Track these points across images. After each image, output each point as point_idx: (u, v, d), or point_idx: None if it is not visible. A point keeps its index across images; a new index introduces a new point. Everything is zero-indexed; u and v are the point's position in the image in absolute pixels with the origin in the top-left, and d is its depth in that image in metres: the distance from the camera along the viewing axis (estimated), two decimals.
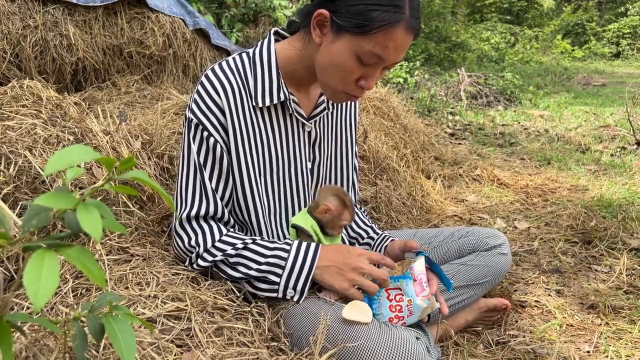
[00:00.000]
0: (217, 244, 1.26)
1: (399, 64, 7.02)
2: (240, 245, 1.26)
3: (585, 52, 14.94)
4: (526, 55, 12.06)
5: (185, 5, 3.72)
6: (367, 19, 1.09)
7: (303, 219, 1.32)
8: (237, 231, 1.32)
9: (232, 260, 1.26)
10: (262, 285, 1.26)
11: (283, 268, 1.24)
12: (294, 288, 1.24)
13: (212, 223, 1.29)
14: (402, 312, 1.23)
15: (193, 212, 1.27)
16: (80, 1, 3.15)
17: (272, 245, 1.27)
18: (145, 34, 3.36)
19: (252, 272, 1.25)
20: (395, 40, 1.11)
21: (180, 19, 3.56)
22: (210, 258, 1.26)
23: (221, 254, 1.25)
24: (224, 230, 1.29)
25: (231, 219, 1.33)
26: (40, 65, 3.00)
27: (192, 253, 1.28)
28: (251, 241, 1.27)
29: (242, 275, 1.25)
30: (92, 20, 3.20)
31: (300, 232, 1.33)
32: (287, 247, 1.26)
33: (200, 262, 1.27)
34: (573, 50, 14.29)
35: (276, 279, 1.24)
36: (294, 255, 1.25)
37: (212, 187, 1.27)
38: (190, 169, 1.28)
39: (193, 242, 1.27)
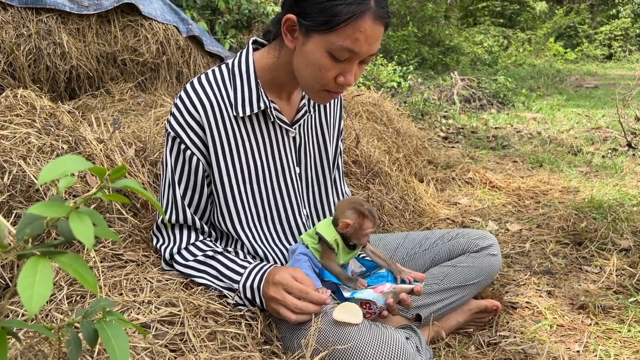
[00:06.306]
0: (183, 252, 1.34)
1: (392, 68, 7.07)
2: (201, 258, 1.32)
3: (578, 54, 15.01)
4: (519, 58, 12.11)
5: (178, 12, 3.74)
6: (332, 15, 1.11)
7: (328, 231, 1.31)
8: (207, 240, 1.37)
9: (198, 268, 1.33)
10: (238, 300, 1.30)
11: (239, 291, 1.28)
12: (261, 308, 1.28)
13: (184, 230, 1.35)
14: (372, 308, 1.26)
15: (166, 219, 1.34)
16: (74, 9, 3.17)
17: (229, 267, 1.31)
18: (139, 42, 3.37)
19: (214, 285, 1.31)
20: (365, 31, 1.13)
21: (174, 26, 3.58)
22: (180, 260, 1.33)
23: (184, 261, 1.33)
24: (193, 239, 1.35)
25: (204, 227, 1.37)
26: (34, 73, 3.01)
27: (164, 253, 1.35)
28: (212, 254, 1.32)
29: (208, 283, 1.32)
30: (86, 28, 3.22)
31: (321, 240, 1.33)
32: (237, 279, 1.28)
33: (176, 262, 1.34)
34: (565, 52, 14.35)
35: (239, 301, 1.29)
36: (242, 284, 1.27)
37: (180, 197, 1.32)
38: (167, 180, 1.34)
39: (164, 246, 1.35)
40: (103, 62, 3.27)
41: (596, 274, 1.97)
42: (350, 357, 1.09)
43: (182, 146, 1.28)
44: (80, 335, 0.74)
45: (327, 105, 1.48)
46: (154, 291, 1.21)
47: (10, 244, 0.63)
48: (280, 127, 1.36)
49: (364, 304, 1.24)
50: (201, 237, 1.37)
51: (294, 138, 1.40)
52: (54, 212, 0.59)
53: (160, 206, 0.70)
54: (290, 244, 1.40)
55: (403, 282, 1.29)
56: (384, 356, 1.08)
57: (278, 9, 5.42)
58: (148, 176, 1.69)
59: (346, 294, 1.26)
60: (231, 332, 1.18)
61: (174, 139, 1.29)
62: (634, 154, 3.82)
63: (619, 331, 1.59)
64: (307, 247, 1.32)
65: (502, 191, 3.03)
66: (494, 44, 12.89)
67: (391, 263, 1.35)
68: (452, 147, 4.28)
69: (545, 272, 2.00)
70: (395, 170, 2.67)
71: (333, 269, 1.30)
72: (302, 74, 1.23)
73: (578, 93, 8.09)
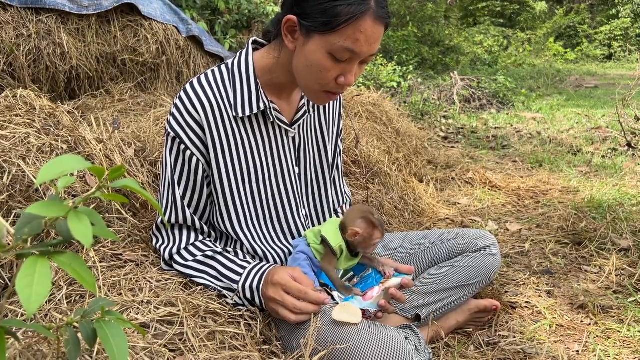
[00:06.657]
0: (182, 252, 1.34)
1: (392, 68, 7.07)
2: (200, 258, 1.32)
3: (578, 54, 15.01)
4: (519, 58, 12.11)
5: (178, 12, 3.74)
6: (333, 15, 1.11)
7: (334, 236, 1.30)
8: (206, 240, 1.37)
9: (197, 267, 1.33)
10: (238, 300, 1.30)
11: (238, 291, 1.28)
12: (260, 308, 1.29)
13: (184, 230, 1.36)
14: (366, 314, 1.26)
15: (166, 219, 1.34)
16: (74, 10, 3.17)
17: (229, 267, 1.31)
18: (139, 42, 3.37)
19: (213, 285, 1.31)
20: (365, 31, 1.13)
21: (174, 26, 3.58)
22: (180, 260, 1.33)
23: (184, 261, 1.33)
24: (192, 239, 1.35)
25: (204, 227, 1.37)
26: (34, 73, 3.01)
27: (163, 253, 1.35)
28: (211, 254, 1.33)
29: (206, 283, 1.32)
30: (86, 29, 3.22)
31: (325, 243, 1.31)
32: (237, 279, 1.28)
33: (175, 263, 1.34)
34: (565, 52, 14.35)
35: (239, 301, 1.29)
36: (241, 284, 1.27)
37: (180, 197, 1.32)
38: (167, 180, 1.33)
39: (164, 246, 1.35)
40: (103, 62, 3.27)
41: (596, 273, 1.97)
42: (349, 356, 1.09)
43: (182, 146, 1.29)
44: (79, 335, 0.74)
45: (327, 105, 1.48)
46: (153, 291, 1.21)
47: (9, 244, 0.63)
48: (280, 127, 1.36)
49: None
50: (201, 237, 1.37)
51: (294, 138, 1.40)
52: (53, 212, 0.59)
53: (159, 206, 0.70)
54: (289, 244, 1.40)
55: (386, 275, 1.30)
56: (382, 356, 1.08)
57: (278, 9, 5.42)
58: (147, 176, 1.69)
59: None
60: (230, 332, 1.18)
61: (173, 139, 1.29)
62: (633, 154, 3.81)
63: (618, 331, 1.59)
64: (308, 245, 1.32)
65: (501, 191, 3.03)
66: (494, 44, 12.89)
67: (373, 259, 1.36)
68: (452, 147, 4.28)
69: (544, 272, 2.00)
70: (395, 170, 2.67)
71: (331, 274, 1.30)
72: (302, 74, 1.23)
73: (578, 93, 8.10)
